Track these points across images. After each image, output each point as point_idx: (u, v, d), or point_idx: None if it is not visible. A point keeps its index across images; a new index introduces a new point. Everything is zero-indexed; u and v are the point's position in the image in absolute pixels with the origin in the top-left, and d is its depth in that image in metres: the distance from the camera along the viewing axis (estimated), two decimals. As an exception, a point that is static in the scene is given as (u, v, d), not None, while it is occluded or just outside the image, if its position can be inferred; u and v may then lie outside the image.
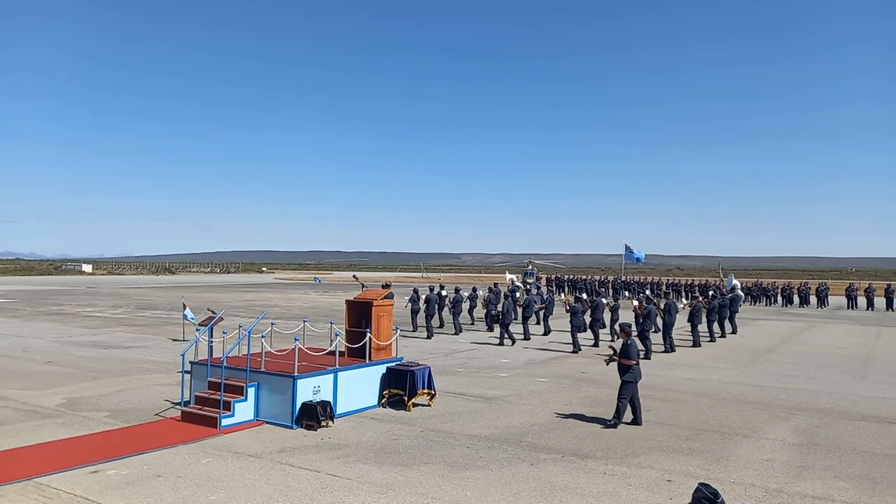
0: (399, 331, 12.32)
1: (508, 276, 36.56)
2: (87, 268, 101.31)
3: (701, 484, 4.21)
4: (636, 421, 10.08)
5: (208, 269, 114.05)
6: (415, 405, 10.95)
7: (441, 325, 23.35)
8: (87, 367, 14.74)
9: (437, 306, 22.25)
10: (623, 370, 10.05)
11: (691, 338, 20.19)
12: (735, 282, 33.29)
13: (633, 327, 14.30)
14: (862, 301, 40.02)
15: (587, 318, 20.70)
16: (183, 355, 10.94)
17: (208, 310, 18.53)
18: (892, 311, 37.63)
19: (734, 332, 23.78)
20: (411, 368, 11.05)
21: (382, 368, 11.24)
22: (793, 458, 8.55)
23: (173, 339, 19.92)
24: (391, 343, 11.76)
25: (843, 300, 41.60)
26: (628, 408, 10.09)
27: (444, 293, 23.53)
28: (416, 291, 23.24)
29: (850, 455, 8.69)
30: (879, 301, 39.83)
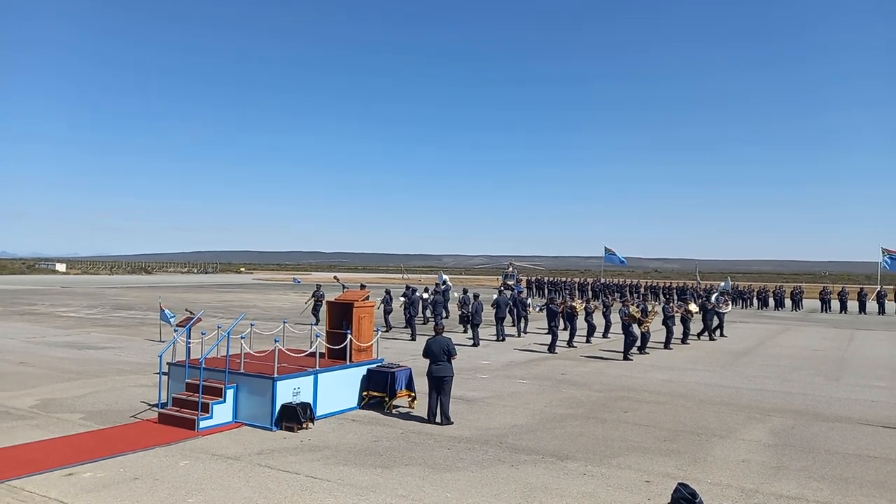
0: (380, 332, 12.30)
1: (442, 276, 35.61)
2: (61, 267, 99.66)
3: (679, 484, 4.27)
4: (439, 420, 10.13)
5: (185, 269, 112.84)
6: (395, 407, 10.94)
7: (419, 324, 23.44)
8: (61, 368, 14.50)
9: (419, 307, 22.32)
10: None
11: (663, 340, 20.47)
12: (723, 286, 33.16)
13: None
14: (835, 304, 40.74)
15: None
16: (160, 356, 10.82)
17: (186, 310, 18.34)
18: (865, 314, 38.35)
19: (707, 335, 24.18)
20: (392, 370, 11.03)
21: (363, 370, 11.21)
22: (768, 458, 8.68)
23: (150, 340, 19.67)
24: (372, 344, 11.74)
25: (817, 303, 42.32)
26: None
27: (426, 295, 23.62)
28: (388, 292, 23.30)
29: (824, 455, 8.85)
30: (852, 304, 40.57)
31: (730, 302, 26.55)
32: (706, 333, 23.33)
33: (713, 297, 24.65)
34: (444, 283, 31.80)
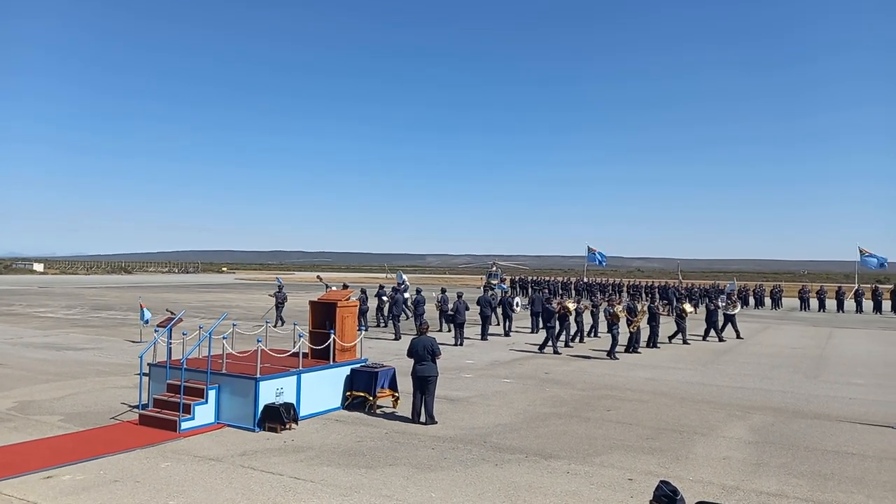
0: (363, 332, 12.26)
1: (401, 275, 35.99)
2: (39, 267, 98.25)
3: (661, 482, 4.29)
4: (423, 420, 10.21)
5: (166, 269, 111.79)
6: (379, 407, 10.91)
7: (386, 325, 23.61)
8: (39, 370, 14.29)
9: (402, 307, 22.33)
10: None
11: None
12: (729, 286, 33.59)
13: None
14: (814, 303, 41.30)
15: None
16: (141, 357, 10.70)
17: (167, 310, 18.16)
18: (843, 312, 38.88)
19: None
20: (375, 370, 11.00)
21: (347, 370, 11.16)
22: (749, 455, 8.78)
23: (130, 341, 19.45)
24: (356, 344, 11.70)
25: (796, 302, 42.86)
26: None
27: (407, 295, 23.66)
28: (363, 292, 23.35)
29: (804, 452, 8.97)
30: (830, 303, 41.14)
31: (738, 303, 26.64)
32: (714, 334, 23.14)
33: (719, 299, 24.85)
34: (403, 282, 31.93)
